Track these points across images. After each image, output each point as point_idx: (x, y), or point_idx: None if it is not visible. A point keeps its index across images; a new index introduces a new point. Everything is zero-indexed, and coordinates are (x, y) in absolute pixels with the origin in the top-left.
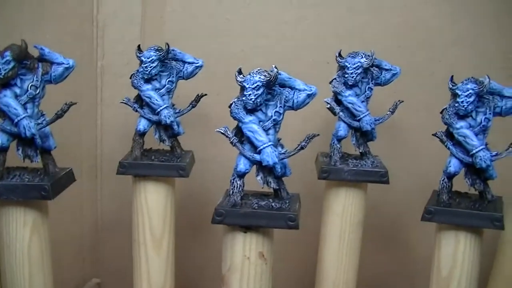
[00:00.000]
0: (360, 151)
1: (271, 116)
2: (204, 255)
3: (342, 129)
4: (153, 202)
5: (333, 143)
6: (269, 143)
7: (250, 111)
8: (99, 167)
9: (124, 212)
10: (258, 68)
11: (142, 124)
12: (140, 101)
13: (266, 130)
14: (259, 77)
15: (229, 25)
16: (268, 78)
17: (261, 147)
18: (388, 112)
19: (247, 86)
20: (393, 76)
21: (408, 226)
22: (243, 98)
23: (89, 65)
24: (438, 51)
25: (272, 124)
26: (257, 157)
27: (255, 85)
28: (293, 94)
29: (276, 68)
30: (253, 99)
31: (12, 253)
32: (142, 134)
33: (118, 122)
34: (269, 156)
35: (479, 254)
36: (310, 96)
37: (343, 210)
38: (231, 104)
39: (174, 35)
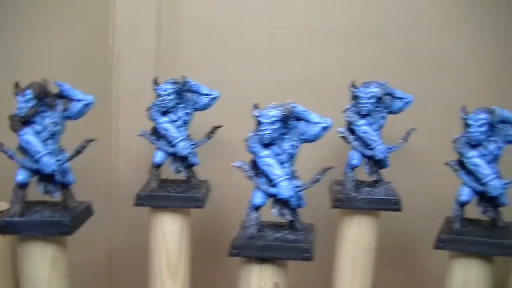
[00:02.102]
0: (373, 179)
1: (287, 149)
2: (218, 282)
3: (356, 159)
4: (170, 233)
5: (347, 171)
6: (285, 177)
7: (266, 145)
8: (113, 195)
9: (137, 240)
10: (274, 103)
11: (159, 157)
12: (157, 133)
13: (282, 163)
14: (275, 112)
15: (244, 53)
16: (285, 113)
17: (277, 181)
18: (400, 140)
19: (263, 121)
20: (406, 105)
21: (420, 249)
22: (260, 132)
23: (104, 93)
24: (448, 75)
25: (288, 157)
26: (272, 190)
27: (271, 120)
28: (308, 127)
29: (292, 102)
30: (269, 134)
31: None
32: (158, 166)
33: (133, 149)
34: (285, 189)
35: (490, 281)
36: (325, 129)
37: (357, 238)
38: (247, 138)
39: (189, 63)
